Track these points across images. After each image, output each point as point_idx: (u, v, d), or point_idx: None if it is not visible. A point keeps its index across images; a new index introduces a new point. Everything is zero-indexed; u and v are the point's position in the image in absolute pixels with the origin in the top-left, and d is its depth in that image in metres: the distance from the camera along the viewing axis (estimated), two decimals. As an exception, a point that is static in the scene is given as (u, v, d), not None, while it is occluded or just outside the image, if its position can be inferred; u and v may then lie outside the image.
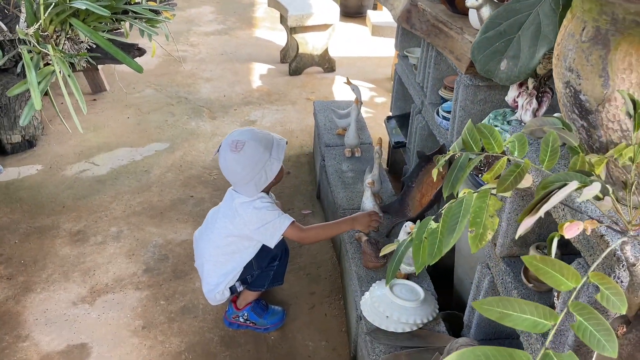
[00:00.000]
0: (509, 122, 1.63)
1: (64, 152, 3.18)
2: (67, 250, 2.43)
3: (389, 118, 2.88)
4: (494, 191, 0.97)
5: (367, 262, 1.87)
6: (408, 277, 1.84)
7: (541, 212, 0.72)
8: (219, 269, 1.92)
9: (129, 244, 2.48)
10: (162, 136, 3.39)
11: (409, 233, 1.79)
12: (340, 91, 4.06)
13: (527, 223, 0.72)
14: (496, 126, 1.64)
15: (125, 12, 2.93)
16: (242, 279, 1.97)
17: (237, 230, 1.86)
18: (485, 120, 1.69)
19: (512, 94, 1.62)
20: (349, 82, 2.63)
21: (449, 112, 2.03)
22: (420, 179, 2.13)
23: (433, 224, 1.04)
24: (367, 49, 4.89)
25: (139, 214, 2.68)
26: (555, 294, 1.20)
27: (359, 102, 2.49)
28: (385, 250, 1.16)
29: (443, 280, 2.00)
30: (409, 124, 2.68)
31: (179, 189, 2.88)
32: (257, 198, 1.83)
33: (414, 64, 2.60)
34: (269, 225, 1.82)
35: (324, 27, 4.12)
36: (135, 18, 2.89)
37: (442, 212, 1.01)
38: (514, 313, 0.72)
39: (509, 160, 0.92)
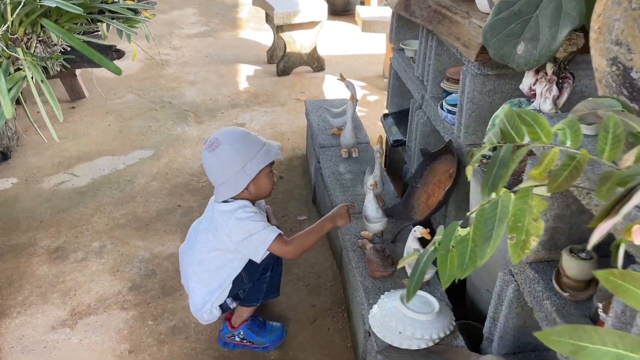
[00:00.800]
0: (525, 113, 1.48)
1: (40, 163, 2.99)
2: (45, 269, 2.24)
3: (385, 115, 2.73)
4: (536, 190, 0.82)
5: (373, 272, 1.71)
6: (419, 286, 1.68)
7: (621, 215, 0.57)
8: (204, 286, 1.75)
9: (112, 259, 2.30)
10: (146, 143, 3.21)
11: (419, 238, 1.63)
12: (331, 90, 3.90)
13: (604, 229, 0.57)
14: (512, 117, 1.48)
15: (102, 12, 2.75)
16: (234, 295, 1.80)
17: (221, 244, 1.70)
18: (499, 112, 1.54)
19: (527, 81, 1.48)
20: (342, 78, 2.47)
21: (454, 105, 1.88)
22: (425, 178, 1.98)
23: (461, 230, 0.88)
24: (356, 46, 4.74)
25: (122, 227, 2.50)
26: (600, 305, 1.04)
27: (354, 98, 2.33)
28: (404, 261, 1.00)
29: (452, 285, 1.84)
30: (407, 121, 2.53)
31: (165, 199, 2.71)
32: (239, 207, 1.67)
33: (411, 57, 2.45)
34: (253, 239, 1.65)
35: (311, 24, 3.96)
36: (113, 18, 2.72)
37: (473, 216, 0.86)
38: (592, 345, 0.56)
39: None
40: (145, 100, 3.75)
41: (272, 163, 1.71)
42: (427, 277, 1.65)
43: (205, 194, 2.73)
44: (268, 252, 1.69)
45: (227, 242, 1.68)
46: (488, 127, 1.58)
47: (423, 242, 1.64)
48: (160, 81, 4.05)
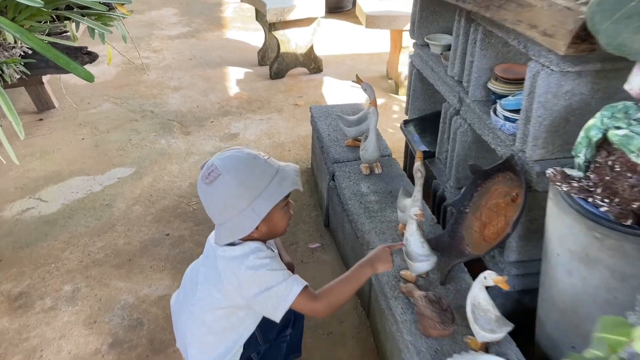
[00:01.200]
0: (638, 121, 1.12)
1: (1, 187, 2.55)
2: (4, 323, 1.82)
3: (405, 122, 2.36)
4: None
5: (428, 330, 1.33)
6: (487, 347, 1.31)
7: None
8: (208, 353, 1.35)
9: (88, 307, 1.89)
10: (126, 159, 2.79)
11: (488, 288, 1.26)
12: (332, 94, 3.52)
13: None
14: (619, 128, 1.12)
15: (70, 7, 2.34)
16: (246, 359, 1.41)
17: (227, 300, 1.30)
18: (596, 121, 1.17)
19: (639, 79, 1.11)
20: (359, 81, 2.10)
21: (514, 110, 1.52)
22: (476, 202, 1.60)
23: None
24: (355, 45, 4.37)
25: (100, 264, 2.08)
26: None
27: (376, 104, 1.96)
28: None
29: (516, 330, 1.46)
30: (433, 129, 2.17)
31: (151, 226, 2.29)
32: (250, 253, 1.28)
33: (440, 54, 2.08)
34: (271, 294, 1.26)
35: (307, 21, 3.58)
36: (83, 15, 2.30)
37: None
38: None
39: None
40: (124, 109, 3.33)
41: (289, 193, 1.32)
42: (498, 336, 1.27)
43: (197, 219, 2.32)
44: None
45: (235, 297, 1.29)
46: (578, 139, 1.21)
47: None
48: (140, 88, 3.62)
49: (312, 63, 3.78)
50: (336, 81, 3.71)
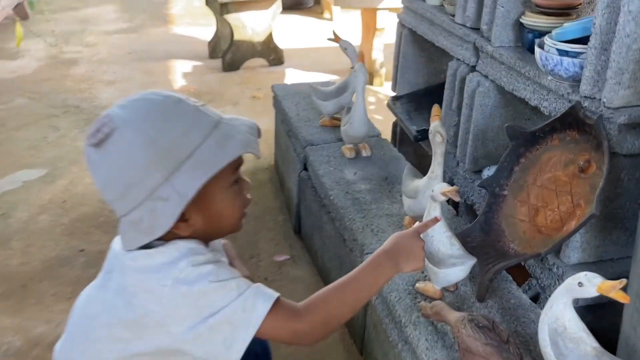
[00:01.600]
0: None
1: None
2: None
3: (395, 99, 1.87)
4: None
5: (481, 376, 0.81)
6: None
7: None
8: None
9: (-49, 356, 1.28)
10: (37, 159, 2.19)
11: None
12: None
13: None
14: None
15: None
16: None
17: (144, 342, 0.76)
18: None
19: None
20: (337, 38, 1.63)
21: (579, 41, 1.04)
22: (518, 179, 1.11)
23: None
24: (319, 39, 3.90)
25: (-20, 293, 1.48)
26: None
27: (363, 59, 1.46)
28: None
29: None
30: (431, 104, 1.69)
31: (60, 240, 1.71)
32: (179, 258, 0.74)
33: (441, 4, 1.62)
34: (220, 320, 0.72)
35: (265, 3, 3.09)
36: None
37: None
38: None
39: None
40: (42, 104, 2.73)
41: (239, 163, 0.79)
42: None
43: (125, 230, 1.75)
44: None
45: (158, 334, 0.75)
46: None
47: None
48: (66, 82, 3.03)
49: (271, 53, 3.27)
50: (301, 73, 3.22)
